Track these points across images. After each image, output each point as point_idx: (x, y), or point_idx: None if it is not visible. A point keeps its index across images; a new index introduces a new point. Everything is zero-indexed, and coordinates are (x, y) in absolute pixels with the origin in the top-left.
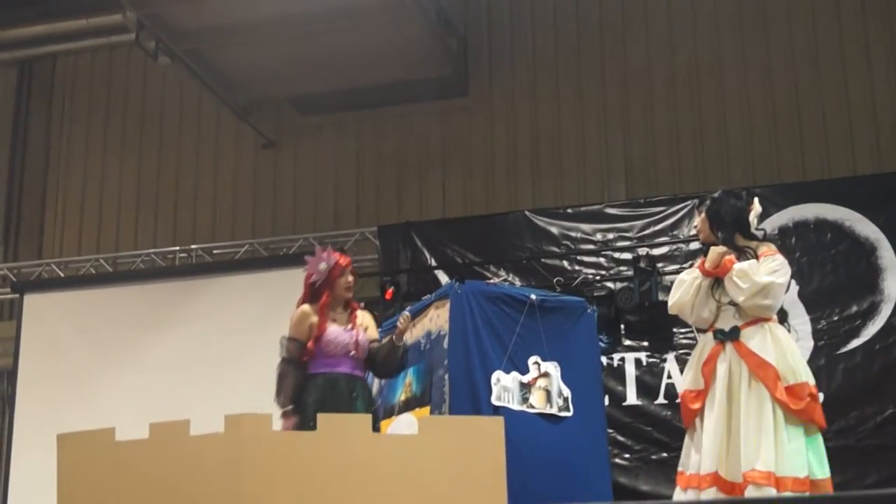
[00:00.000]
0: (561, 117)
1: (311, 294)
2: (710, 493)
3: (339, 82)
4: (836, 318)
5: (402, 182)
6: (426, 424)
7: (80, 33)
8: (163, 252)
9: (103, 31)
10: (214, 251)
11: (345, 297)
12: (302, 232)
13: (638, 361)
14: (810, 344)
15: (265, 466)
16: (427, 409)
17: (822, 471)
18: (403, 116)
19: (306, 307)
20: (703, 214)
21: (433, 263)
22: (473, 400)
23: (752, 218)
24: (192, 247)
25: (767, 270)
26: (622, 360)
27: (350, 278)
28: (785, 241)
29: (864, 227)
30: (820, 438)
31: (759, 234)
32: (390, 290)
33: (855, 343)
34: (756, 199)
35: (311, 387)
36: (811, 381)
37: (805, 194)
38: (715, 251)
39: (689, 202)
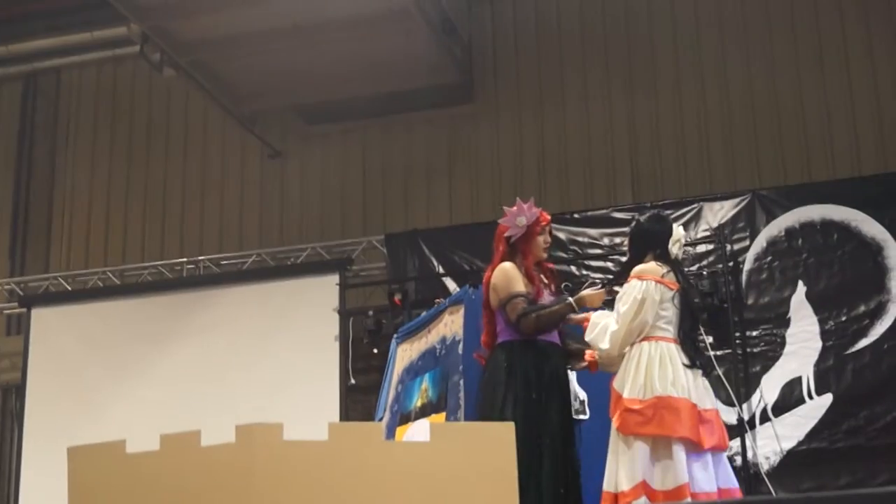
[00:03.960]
0: (566, 122)
1: (509, 252)
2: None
3: (344, 91)
4: (843, 319)
5: (408, 190)
6: (437, 431)
7: (84, 46)
8: (170, 264)
9: (108, 43)
10: (222, 262)
11: (542, 258)
12: (309, 241)
13: None
14: (818, 345)
15: (277, 475)
16: (443, 415)
17: (627, 481)
18: (409, 124)
19: (510, 265)
20: (629, 234)
21: (441, 270)
22: None
23: (672, 244)
24: (200, 258)
25: (614, 319)
26: None
27: (549, 238)
28: (791, 242)
29: (871, 227)
30: (639, 447)
31: (679, 256)
32: (398, 298)
33: (863, 343)
34: (677, 226)
35: (524, 352)
36: (645, 395)
37: (811, 195)
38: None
39: (695, 205)
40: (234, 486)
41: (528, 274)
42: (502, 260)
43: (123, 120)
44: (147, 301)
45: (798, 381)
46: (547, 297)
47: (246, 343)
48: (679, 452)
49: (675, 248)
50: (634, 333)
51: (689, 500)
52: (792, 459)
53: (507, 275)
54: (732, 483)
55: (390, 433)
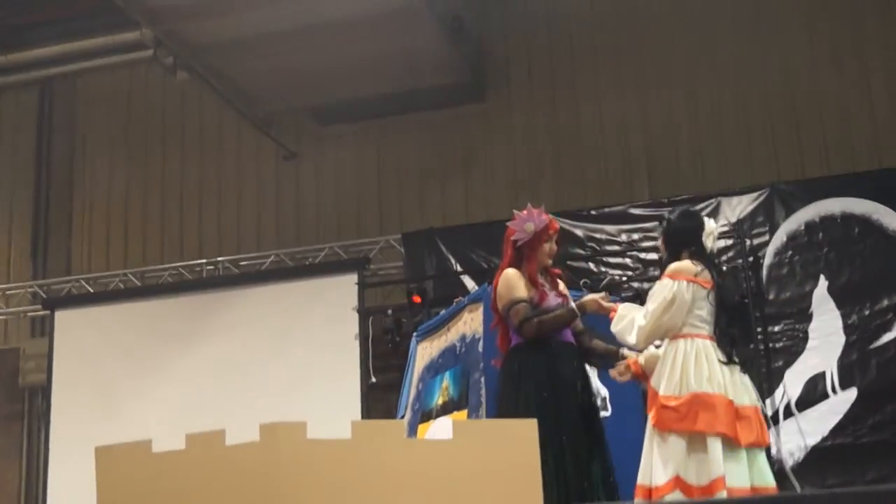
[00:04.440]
0: (580, 119)
1: (515, 256)
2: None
3: (357, 92)
4: (867, 313)
5: (423, 189)
6: (460, 429)
7: (99, 51)
8: (190, 265)
9: (122, 48)
10: (241, 263)
11: (546, 265)
12: (326, 241)
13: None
14: (842, 339)
15: (301, 474)
16: (464, 412)
17: (662, 475)
18: (422, 123)
19: (513, 271)
20: (660, 233)
21: (458, 269)
22: None
23: (706, 238)
24: (219, 259)
25: (643, 315)
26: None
27: (555, 246)
28: (812, 236)
29: (892, 220)
30: (675, 442)
31: (713, 250)
32: (417, 296)
33: (887, 337)
34: (708, 219)
35: (536, 360)
36: (680, 391)
37: (830, 188)
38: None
39: (713, 200)
40: (258, 484)
41: (531, 279)
42: (508, 264)
43: (139, 123)
44: (168, 302)
45: (822, 376)
46: (552, 300)
47: (266, 343)
48: (715, 447)
49: (709, 242)
50: (661, 332)
51: (723, 493)
52: (817, 455)
53: (508, 282)
54: (768, 481)
55: (412, 431)
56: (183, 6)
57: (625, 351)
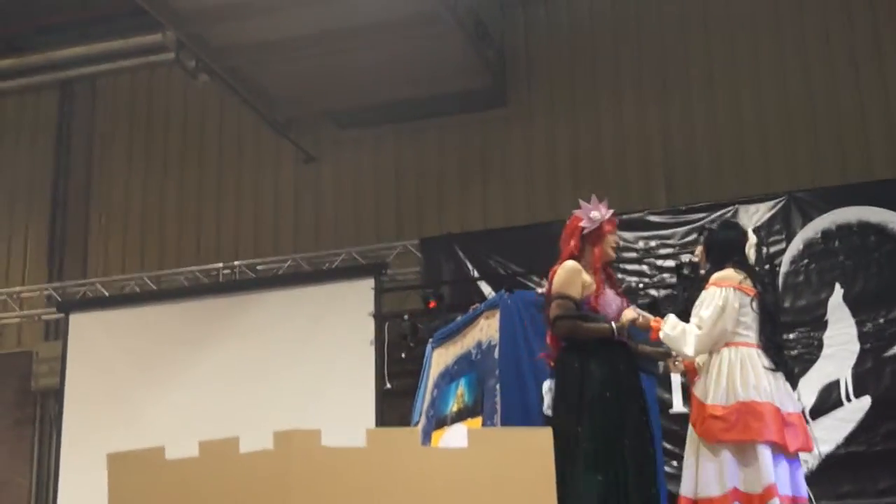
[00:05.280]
0: (600, 125)
1: (580, 247)
2: None
3: (377, 96)
4: (881, 321)
5: (442, 194)
6: (475, 437)
7: (119, 53)
8: (206, 269)
9: (143, 50)
10: (258, 267)
11: (611, 258)
12: (344, 246)
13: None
14: (856, 347)
15: (315, 482)
16: (479, 419)
17: (717, 488)
18: (441, 128)
19: (574, 263)
20: (702, 244)
21: (476, 274)
22: (525, 410)
23: (748, 249)
24: (236, 263)
25: (695, 324)
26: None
27: (618, 239)
28: (828, 244)
29: None
30: (724, 453)
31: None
32: (433, 302)
33: None
34: (749, 230)
35: (599, 354)
36: (728, 401)
37: (847, 197)
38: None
39: (730, 208)
40: (272, 493)
41: (595, 268)
42: (570, 256)
43: (158, 126)
44: (183, 306)
45: (836, 384)
46: (609, 297)
47: (282, 348)
48: (765, 454)
49: (751, 253)
50: (716, 338)
51: (776, 500)
52: (830, 463)
53: (563, 274)
54: (801, 492)
55: (426, 438)
56: (207, 9)
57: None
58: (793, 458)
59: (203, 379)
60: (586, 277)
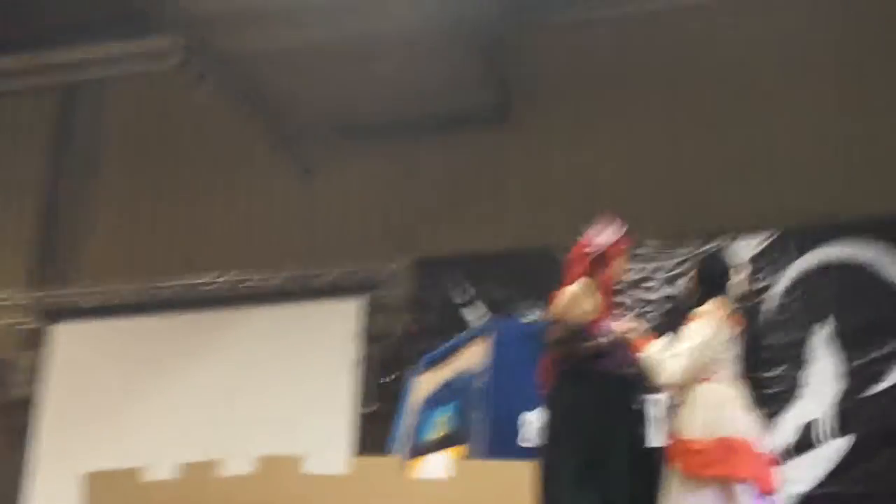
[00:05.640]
0: (601, 153)
1: (588, 270)
2: None
3: (380, 111)
4: (862, 361)
5: (439, 213)
6: (459, 468)
7: (122, 58)
8: (194, 283)
9: (145, 56)
10: (248, 281)
11: (620, 279)
12: (336, 263)
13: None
14: (837, 387)
15: None
16: (462, 448)
17: None
18: (441, 147)
19: (578, 287)
20: (692, 275)
21: (465, 298)
22: (511, 440)
23: (737, 283)
24: (225, 277)
25: (676, 353)
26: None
27: (628, 263)
28: (812, 282)
29: (891, 269)
30: (704, 488)
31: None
32: (418, 325)
33: (881, 385)
34: (739, 264)
35: (592, 384)
36: (707, 435)
37: (833, 235)
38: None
39: (720, 241)
40: None
41: (605, 291)
42: (578, 278)
43: (157, 133)
44: (168, 319)
45: (815, 422)
46: (613, 323)
47: (265, 366)
48: (747, 492)
49: (739, 287)
50: (698, 369)
51: None
52: (809, 502)
53: (567, 299)
54: None
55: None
56: (214, 17)
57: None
58: (767, 496)
59: (186, 394)
60: (590, 302)
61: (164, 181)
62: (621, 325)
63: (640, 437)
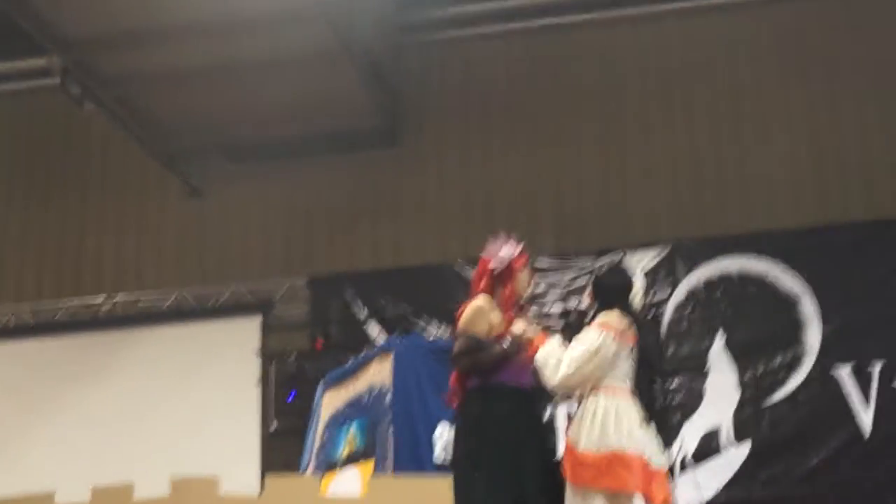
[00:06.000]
0: (491, 169)
1: (490, 286)
2: None
3: (268, 131)
4: (761, 370)
5: (332, 232)
6: (374, 485)
7: (4, 77)
8: (87, 304)
9: (26, 75)
10: (140, 302)
11: (524, 294)
12: (230, 282)
13: (570, 414)
14: (737, 395)
15: None
16: (370, 463)
17: None
18: (333, 167)
19: (483, 302)
20: (590, 287)
21: (364, 315)
22: (417, 455)
23: (632, 295)
24: (118, 298)
25: (567, 357)
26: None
27: (530, 275)
28: (710, 293)
29: (787, 281)
30: (594, 500)
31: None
32: (321, 341)
33: (780, 394)
34: (636, 277)
35: (497, 398)
36: (599, 448)
37: (729, 247)
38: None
39: (617, 254)
40: None
41: (509, 306)
42: (478, 294)
43: (40, 154)
44: (63, 341)
45: (717, 431)
46: (512, 328)
47: (164, 385)
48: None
49: (636, 300)
50: (581, 380)
51: None
52: None
53: (471, 313)
54: None
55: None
56: (96, 36)
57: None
58: None
59: (82, 417)
60: (494, 316)
61: (53, 202)
62: (519, 327)
63: (551, 449)
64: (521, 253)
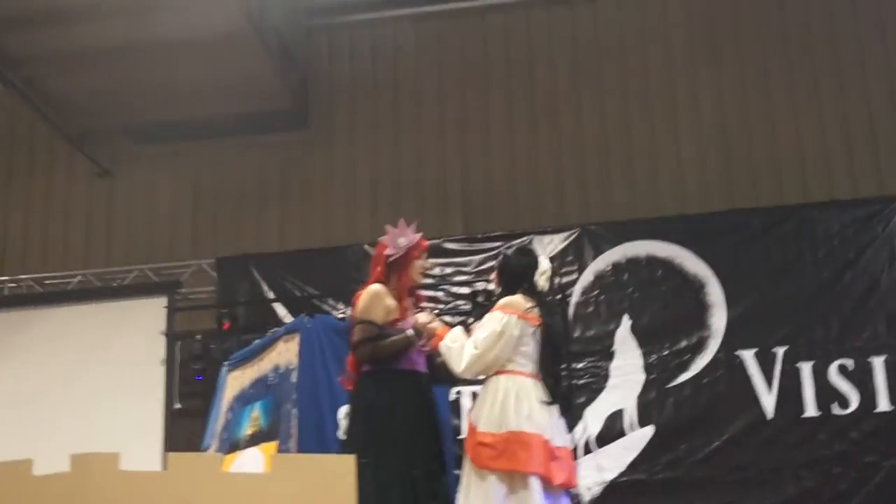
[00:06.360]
0: (400, 153)
1: (386, 273)
2: None
3: (177, 112)
4: (666, 353)
5: (239, 214)
6: (277, 463)
7: None
8: None
9: None
10: (45, 281)
11: (418, 283)
12: (137, 263)
13: (475, 395)
14: (642, 378)
15: None
16: (274, 444)
17: None
18: (242, 148)
19: (379, 287)
20: (496, 269)
21: (271, 296)
22: (321, 435)
23: (538, 276)
24: (23, 277)
25: (472, 342)
26: (458, 392)
27: (426, 263)
28: (618, 276)
29: (693, 265)
30: (492, 480)
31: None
32: (227, 323)
33: (684, 377)
34: (543, 258)
35: (391, 383)
36: (498, 429)
37: (637, 231)
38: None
39: (525, 238)
40: None
41: (400, 297)
42: (376, 281)
43: None
44: None
45: (621, 413)
46: (411, 321)
47: (69, 365)
48: (535, 486)
49: (541, 281)
50: (488, 363)
51: None
52: (613, 490)
53: (368, 298)
54: None
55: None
56: (3, 16)
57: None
58: (560, 491)
59: None
60: (390, 302)
61: None
62: (419, 320)
63: (437, 431)
64: (418, 242)
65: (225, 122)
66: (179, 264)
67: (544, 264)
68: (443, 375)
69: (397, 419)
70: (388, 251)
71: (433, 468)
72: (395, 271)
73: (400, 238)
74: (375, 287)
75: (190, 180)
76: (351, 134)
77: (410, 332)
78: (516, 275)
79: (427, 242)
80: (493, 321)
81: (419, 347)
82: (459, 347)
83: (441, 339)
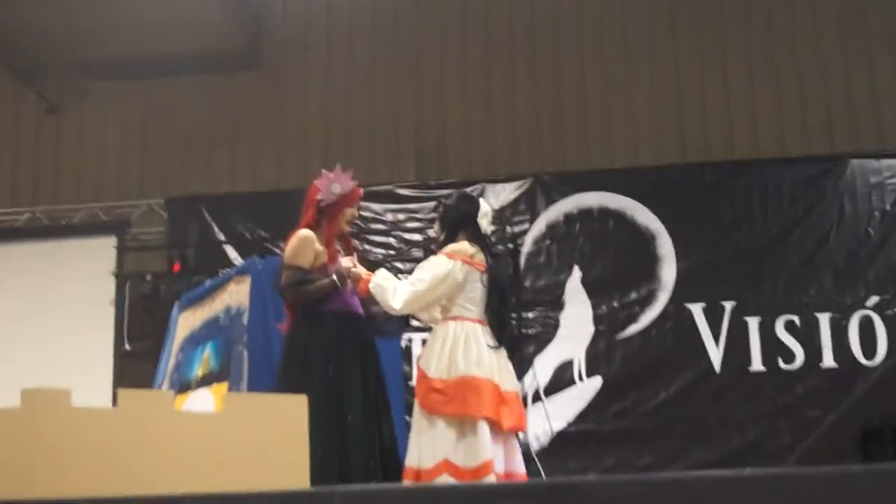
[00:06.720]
0: (353, 96)
1: (317, 217)
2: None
3: (128, 49)
4: (615, 305)
5: (189, 154)
6: (229, 402)
7: None
8: None
9: None
10: None
11: (345, 231)
12: (86, 201)
13: (425, 343)
14: (591, 329)
15: (64, 442)
16: (225, 384)
17: (430, 458)
18: (194, 87)
19: (308, 232)
20: (439, 214)
21: (222, 238)
22: (272, 376)
23: (481, 219)
24: None
25: (410, 281)
26: (410, 340)
27: (357, 212)
28: (569, 227)
29: (645, 217)
30: (440, 425)
31: (491, 231)
32: (178, 264)
33: (633, 329)
34: (485, 203)
35: (324, 326)
36: (448, 374)
37: (590, 183)
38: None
39: (478, 186)
40: (19, 452)
41: (328, 241)
42: (307, 225)
43: None
44: None
45: (570, 363)
46: (337, 263)
47: (16, 304)
48: (483, 431)
49: (484, 223)
50: (429, 302)
51: (491, 477)
52: (561, 440)
53: (296, 244)
54: (519, 468)
55: None
56: None
57: (354, 269)
58: (510, 435)
59: None
60: (319, 247)
61: None
62: (342, 264)
63: (377, 374)
64: (352, 190)
65: (177, 61)
66: (129, 203)
67: (485, 207)
68: (385, 327)
69: (328, 363)
70: (319, 195)
71: (371, 415)
72: (325, 217)
73: (334, 184)
74: (304, 232)
75: (140, 118)
76: (304, 76)
77: (334, 276)
78: (458, 220)
79: (361, 191)
80: (437, 264)
81: (346, 291)
82: (394, 285)
83: (368, 281)
